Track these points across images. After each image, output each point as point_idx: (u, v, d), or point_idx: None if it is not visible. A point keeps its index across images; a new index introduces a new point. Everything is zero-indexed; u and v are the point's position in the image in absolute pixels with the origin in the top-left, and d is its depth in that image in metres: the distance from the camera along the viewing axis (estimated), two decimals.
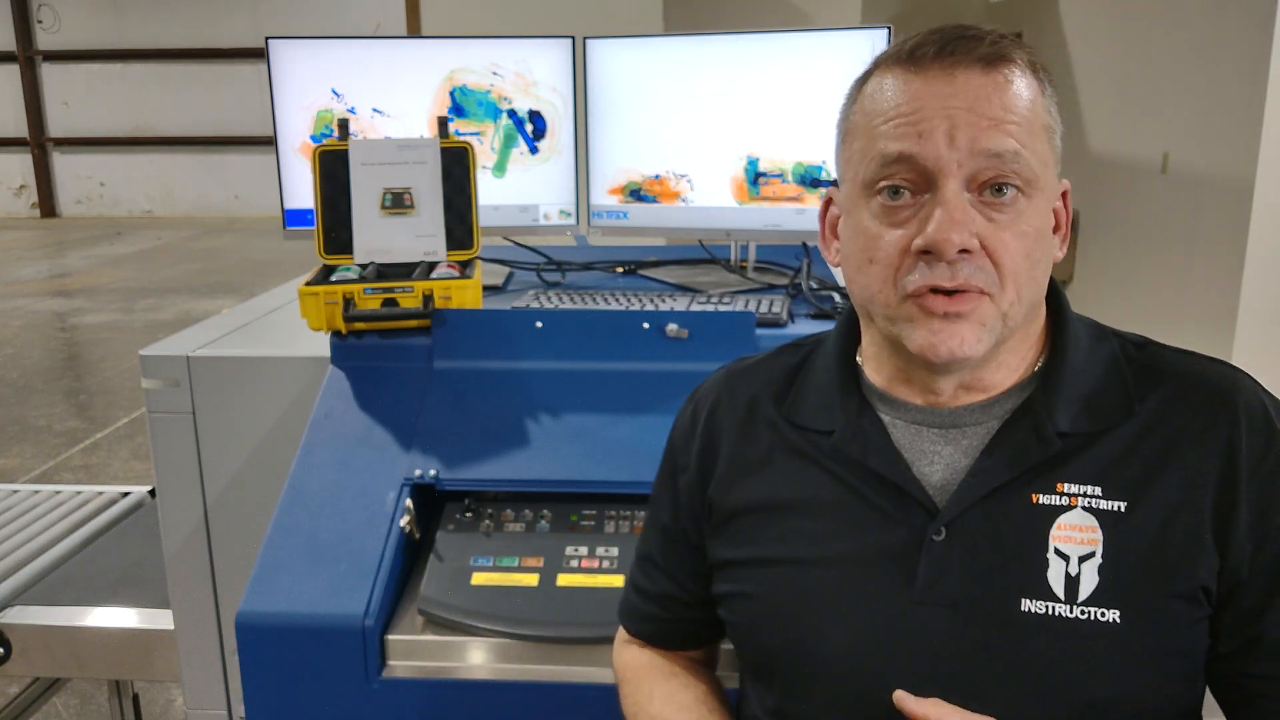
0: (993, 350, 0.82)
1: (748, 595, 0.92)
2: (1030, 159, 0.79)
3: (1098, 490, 0.81)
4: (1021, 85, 0.80)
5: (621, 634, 1.11)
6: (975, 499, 0.83)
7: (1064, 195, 0.86)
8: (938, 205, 0.78)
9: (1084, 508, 0.80)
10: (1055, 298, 0.89)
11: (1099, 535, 0.80)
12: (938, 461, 0.86)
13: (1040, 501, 0.82)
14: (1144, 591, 0.79)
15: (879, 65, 0.84)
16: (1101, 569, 0.79)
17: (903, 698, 0.77)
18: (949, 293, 0.79)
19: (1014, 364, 0.86)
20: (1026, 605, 0.80)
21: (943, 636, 0.82)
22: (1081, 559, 0.79)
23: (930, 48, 0.80)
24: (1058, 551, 0.80)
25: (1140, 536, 0.79)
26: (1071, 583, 0.79)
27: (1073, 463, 0.82)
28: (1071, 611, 0.79)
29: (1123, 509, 0.80)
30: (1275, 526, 0.79)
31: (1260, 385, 0.85)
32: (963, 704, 0.80)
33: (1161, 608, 0.79)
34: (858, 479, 0.87)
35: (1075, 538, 0.80)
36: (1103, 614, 0.78)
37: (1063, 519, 0.81)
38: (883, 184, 0.81)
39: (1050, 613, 0.79)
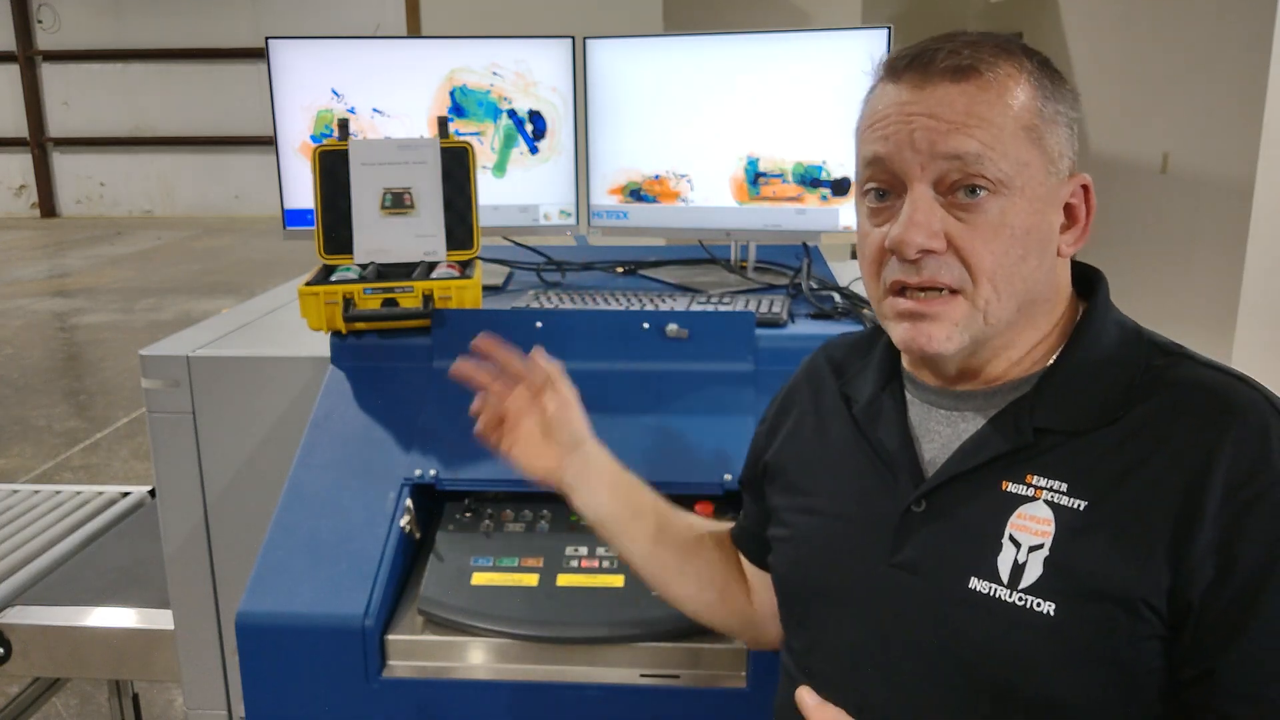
0: (976, 345, 0.86)
1: (780, 538, 1.03)
2: (999, 160, 0.81)
3: (1063, 486, 0.83)
4: (994, 92, 0.82)
5: None
6: (948, 478, 0.88)
7: (1085, 189, 0.88)
8: (905, 207, 0.84)
9: (1046, 501, 0.83)
10: (1094, 297, 0.91)
11: (1052, 529, 0.82)
12: (936, 440, 0.92)
13: (1009, 489, 0.85)
14: (1079, 590, 0.79)
15: (878, 78, 0.89)
16: (1046, 561, 0.81)
17: (804, 695, 0.80)
18: (920, 293, 0.85)
19: (1017, 356, 0.89)
20: (974, 584, 0.83)
21: (907, 602, 0.87)
22: (1031, 549, 0.82)
23: (905, 59, 0.85)
24: (1012, 538, 0.83)
25: (1090, 537, 0.80)
26: (1017, 569, 0.82)
27: (1047, 456, 0.85)
28: (1010, 596, 0.81)
29: (1081, 508, 0.81)
30: (1241, 563, 0.76)
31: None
32: (917, 669, 0.86)
33: (1095, 610, 0.79)
34: (871, 447, 0.96)
35: (1030, 528, 0.83)
36: (1039, 604, 0.80)
37: (1024, 509, 0.84)
38: (868, 186, 0.88)
39: (992, 594, 0.82)
